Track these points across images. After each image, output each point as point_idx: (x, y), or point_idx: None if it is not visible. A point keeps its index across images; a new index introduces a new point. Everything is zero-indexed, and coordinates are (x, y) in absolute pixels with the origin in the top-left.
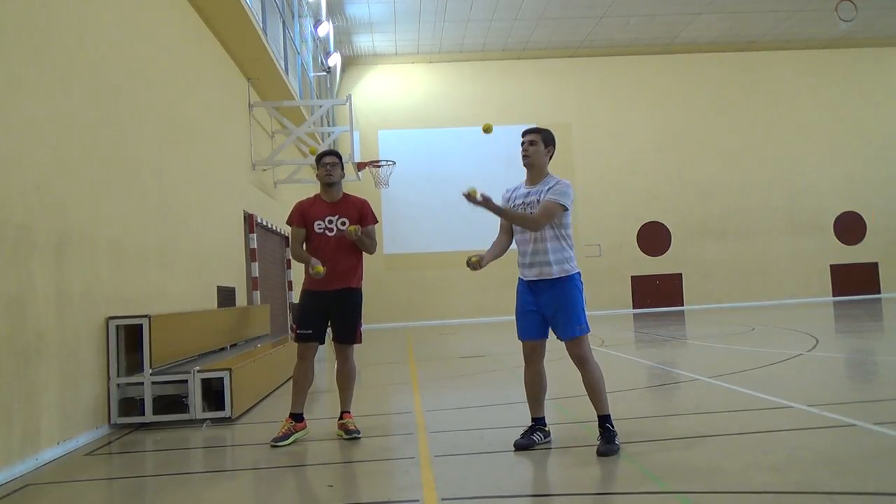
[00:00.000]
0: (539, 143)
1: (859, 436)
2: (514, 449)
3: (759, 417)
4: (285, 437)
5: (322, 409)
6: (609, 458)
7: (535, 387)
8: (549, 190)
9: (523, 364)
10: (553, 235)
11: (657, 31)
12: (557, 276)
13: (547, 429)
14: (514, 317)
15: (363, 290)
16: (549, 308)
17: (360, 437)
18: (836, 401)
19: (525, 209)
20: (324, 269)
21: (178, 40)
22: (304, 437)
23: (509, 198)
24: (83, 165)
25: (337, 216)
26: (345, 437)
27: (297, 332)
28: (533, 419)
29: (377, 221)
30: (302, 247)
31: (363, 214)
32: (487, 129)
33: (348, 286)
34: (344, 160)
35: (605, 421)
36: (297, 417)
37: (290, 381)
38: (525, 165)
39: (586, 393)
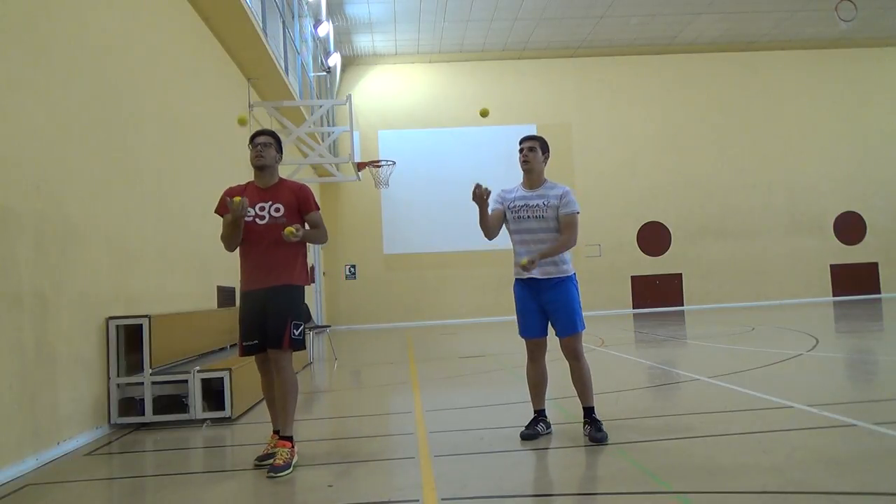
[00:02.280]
0: (538, 150)
1: (859, 436)
2: (520, 440)
3: (759, 417)
4: (268, 455)
5: (321, 410)
6: (608, 459)
7: (538, 381)
8: (561, 200)
9: (526, 360)
10: (556, 238)
11: (657, 31)
12: (557, 277)
13: (548, 420)
14: (513, 317)
15: (361, 288)
16: (549, 305)
17: (277, 477)
18: (836, 401)
19: (527, 211)
20: (240, 199)
21: (178, 40)
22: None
23: (505, 198)
24: (83, 165)
25: (270, 202)
26: (258, 462)
27: (242, 344)
28: (535, 411)
29: (319, 208)
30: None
31: (302, 200)
32: (484, 114)
33: (285, 283)
34: (347, 160)
35: (591, 412)
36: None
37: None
38: (525, 171)
39: (573, 385)
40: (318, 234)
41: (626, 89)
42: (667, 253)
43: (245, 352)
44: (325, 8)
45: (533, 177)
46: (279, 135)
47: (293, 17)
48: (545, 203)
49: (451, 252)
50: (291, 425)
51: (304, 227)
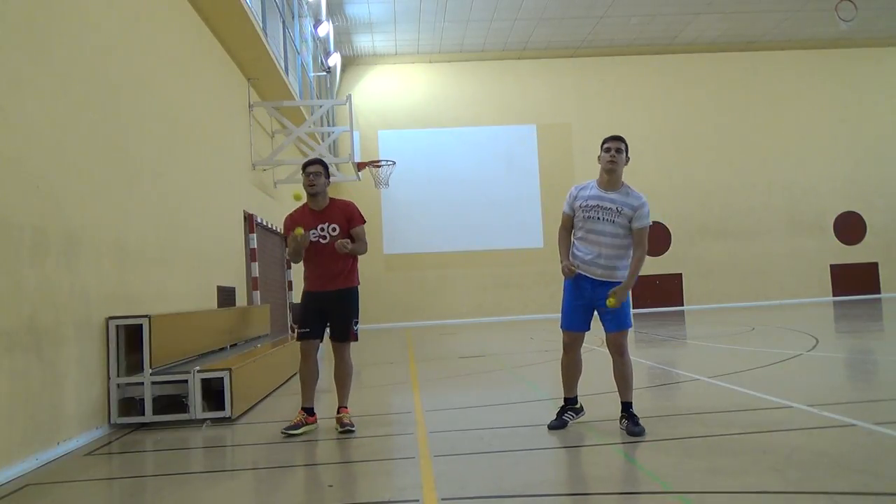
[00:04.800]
0: (623, 152)
1: (859, 436)
2: (548, 429)
3: (759, 417)
4: (297, 426)
5: (321, 410)
6: (609, 459)
7: (573, 371)
8: (636, 212)
9: (562, 352)
10: (627, 244)
11: (657, 31)
12: (616, 281)
13: (578, 405)
14: (514, 317)
15: (361, 288)
16: (600, 302)
17: (353, 431)
18: (836, 401)
19: (598, 212)
20: (302, 233)
21: (177, 40)
22: (313, 431)
23: (577, 195)
24: (83, 165)
25: (327, 223)
26: (339, 429)
27: (298, 330)
28: (566, 399)
29: (365, 221)
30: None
31: (350, 217)
32: (297, 197)
33: (345, 286)
34: (347, 160)
35: (629, 406)
36: (308, 411)
37: (291, 381)
38: (607, 171)
39: (615, 379)
40: (359, 247)
41: (626, 89)
42: (667, 253)
43: (299, 337)
44: (325, 8)
45: (614, 178)
46: (325, 161)
47: (293, 17)
48: (618, 209)
49: (451, 252)
50: (348, 397)
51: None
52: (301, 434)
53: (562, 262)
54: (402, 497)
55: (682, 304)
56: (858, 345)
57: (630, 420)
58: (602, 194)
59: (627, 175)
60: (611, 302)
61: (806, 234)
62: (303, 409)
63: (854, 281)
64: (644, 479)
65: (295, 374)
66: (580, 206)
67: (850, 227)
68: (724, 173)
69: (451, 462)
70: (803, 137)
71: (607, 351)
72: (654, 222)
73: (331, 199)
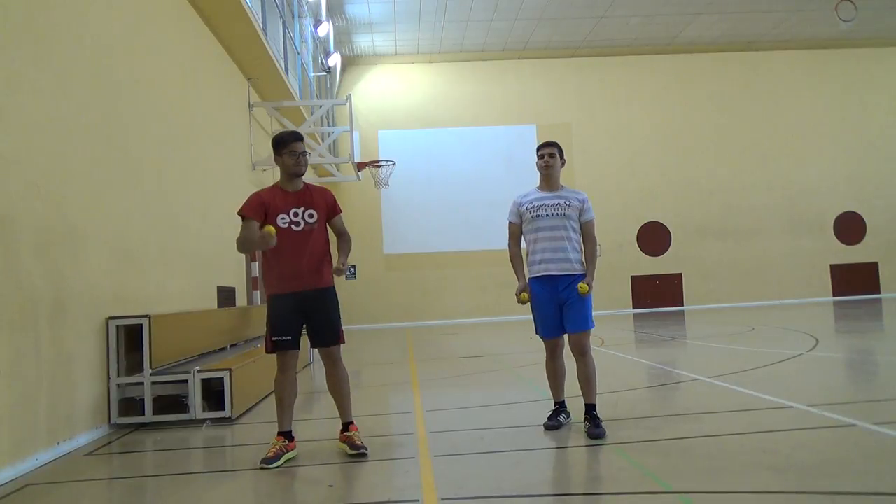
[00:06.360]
0: (557, 156)
1: (859, 436)
2: (544, 430)
3: (759, 417)
4: (276, 458)
5: (322, 409)
6: (609, 459)
7: (558, 375)
8: (583, 205)
9: (546, 357)
10: (576, 238)
11: (657, 31)
12: (576, 273)
13: (568, 410)
14: (513, 317)
15: (361, 289)
16: (565, 302)
17: (366, 454)
18: (836, 401)
19: (546, 209)
20: (274, 233)
21: (178, 40)
22: (295, 457)
23: (521, 202)
24: (83, 165)
25: (303, 208)
26: (349, 452)
27: (273, 340)
28: (556, 403)
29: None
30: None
31: (331, 204)
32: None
33: (321, 286)
34: (347, 160)
35: (592, 408)
36: (287, 436)
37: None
38: (544, 175)
39: (579, 381)
40: (348, 243)
41: (626, 89)
42: (667, 253)
43: (274, 347)
44: (325, 8)
45: (551, 181)
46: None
47: (293, 17)
48: (566, 202)
49: (451, 252)
50: (352, 410)
51: (326, 227)
52: (282, 464)
53: (518, 282)
54: (402, 497)
55: (683, 304)
56: (858, 345)
57: (591, 422)
58: (543, 195)
59: (628, 174)
60: (583, 289)
61: (806, 234)
62: (280, 434)
63: (854, 281)
64: (644, 479)
65: (297, 372)
66: (526, 210)
67: (850, 227)
68: (724, 173)
69: (451, 462)
70: (803, 137)
71: (606, 351)
72: (654, 222)
73: (304, 182)
